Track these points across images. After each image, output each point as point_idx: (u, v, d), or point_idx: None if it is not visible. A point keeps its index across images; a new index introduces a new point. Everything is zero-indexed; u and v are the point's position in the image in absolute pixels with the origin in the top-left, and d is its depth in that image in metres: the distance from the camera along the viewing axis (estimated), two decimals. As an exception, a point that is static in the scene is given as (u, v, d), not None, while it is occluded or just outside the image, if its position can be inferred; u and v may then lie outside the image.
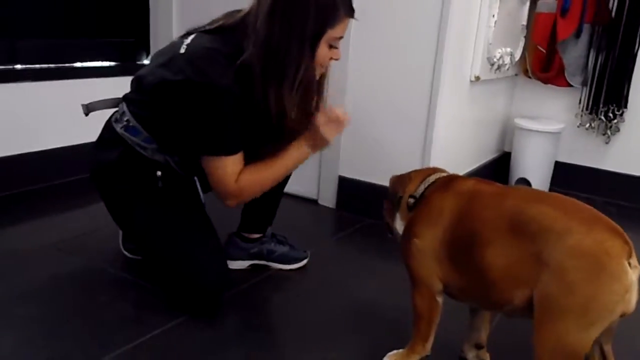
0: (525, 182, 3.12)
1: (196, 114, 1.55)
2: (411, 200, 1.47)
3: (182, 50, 1.58)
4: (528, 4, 2.99)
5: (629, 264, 1.13)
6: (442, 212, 1.37)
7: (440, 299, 1.42)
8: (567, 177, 3.20)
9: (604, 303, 1.12)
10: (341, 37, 1.63)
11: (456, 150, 2.67)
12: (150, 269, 1.87)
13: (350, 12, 1.62)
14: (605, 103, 3.05)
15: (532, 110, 3.26)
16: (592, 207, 1.25)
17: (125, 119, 1.71)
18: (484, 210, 1.31)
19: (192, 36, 1.63)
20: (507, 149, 3.33)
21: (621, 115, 3.04)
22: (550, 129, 3.08)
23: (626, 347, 1.32)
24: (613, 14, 2.93)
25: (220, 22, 1.65)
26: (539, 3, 2.99)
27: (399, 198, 1.51)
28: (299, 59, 1.55)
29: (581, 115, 3.15)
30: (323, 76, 1.72)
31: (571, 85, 3.07)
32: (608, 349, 1.28)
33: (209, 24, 1.67)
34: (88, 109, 1.82)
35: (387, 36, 2.41)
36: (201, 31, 1.65)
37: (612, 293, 1.11)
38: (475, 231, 1.29)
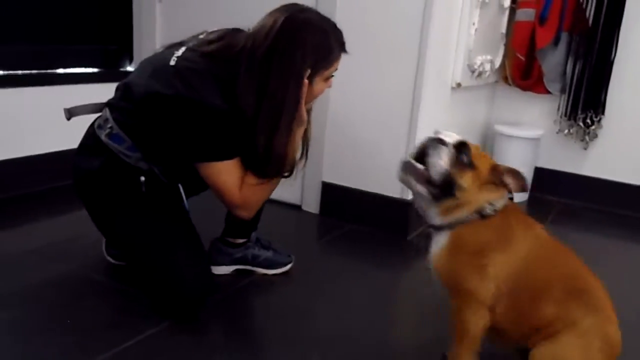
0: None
1: (186, 128, 1.56)
2: (489, 208, 1.39)
3: (172, 62, 1.57)
4: (507, 12, 3.04)
5: None
6: (519, 249, 1.38)
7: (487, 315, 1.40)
8: (546, 182, 3.25)
9: None
10: (336, 70, 1.67)
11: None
12: (134, 274, 1.87)
13: (343, 49, 1.66)
14: (583, 110, 3.11)
15: (512, 117, 3.32)
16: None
17: (108, 125, 1.70)
18: (553, 264, 1.40)
19: (183, 49, 1.62)
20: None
21: (599, 121, 3.10)
22: (529, 135, 3.13)
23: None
24: (590, 22, 2.99)
25: (215, 46, 1.61)
26: (518, 12, 3.04)
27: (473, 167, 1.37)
28: (294, 107, 1.57)
29: (560, 122, 3.21)
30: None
31: (550, 92, 3.13)
32: None
33: (205, 42, 1.64)
34: (70, 113, 1.81)
35: (370, 43, 2.43)
36: (193, 49, 1.62)
37: None
38: (543, 284, 1.37)
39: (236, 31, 1.67)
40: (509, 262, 1.37)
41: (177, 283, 1.68)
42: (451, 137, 1.40)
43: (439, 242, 1.43)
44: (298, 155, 1.72)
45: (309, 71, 1.57)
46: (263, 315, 1.84)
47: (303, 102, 1.59)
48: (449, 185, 1.37)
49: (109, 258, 2.00)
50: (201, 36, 1.69)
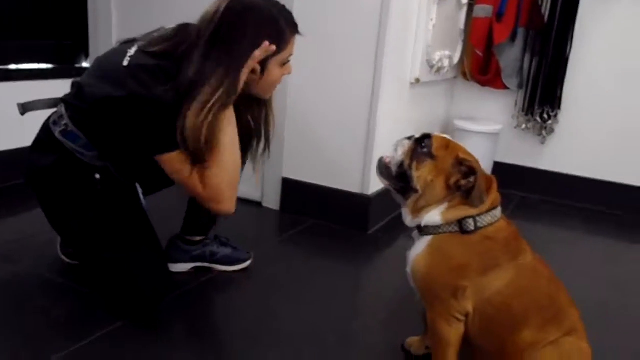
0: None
1: (140, 124, 1.53)
2: (471, 224, 1.34)
3: (125, 63, 1.53)
4: (465, 8, 3.07)
5: None
6: (502, 277, 1.32)
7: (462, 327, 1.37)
8: (505, 176, 3.27)
9: None
10: (291, 55, 1.65)
11: (398, 151, 2.72)
12: (88, 273, 1.84)
13: (295, 29, 1.63)
14: (540, 105, 3.16)
15: (471, 112, 3.36)
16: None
17: (63, 122, 1.66)
18: (535, 298, 1.34)
19: (135, 48, 1.57)
20: (448, 150, 3.41)
21: (555, 116, 3.16)
22: (488, 130, 3.17)
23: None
24: (546, 19, 3.04)
25: (167, 45, 1.57)
26: (475, 8, 3.07)
27: (480, 199, 1.34)
28: (218, 88, 1.51)
29: (518, 117, 3.26)
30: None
31: (508, 88, 3.17)
32: None
33: (158, 39, 1.60)
34: (24, 108, 1.75)
35: (327, 40, 2.43)
36: (144, 50, 1.57)
37: None
38: (522, 314, 1.32)
39: (188, 26, 1.64)
40: (487, 288, 1.32)
41: (133, 282, 1.65)
42: (429, 136, 1.40)
43: (419, 248, 1.39)
44: (235, 143, 1.63)
45: (258, 55, 1.54)
46: (222, 313, 1.82)
47: (238, 85, 1.54)
48: (405, 176, 1.37)
49: (63, 257, 1.96)
50: (155, 34, 1.66)
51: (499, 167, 3.29)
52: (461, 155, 1.36)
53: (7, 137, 2.60)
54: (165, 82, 1.51)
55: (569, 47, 3.03)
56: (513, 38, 3.05)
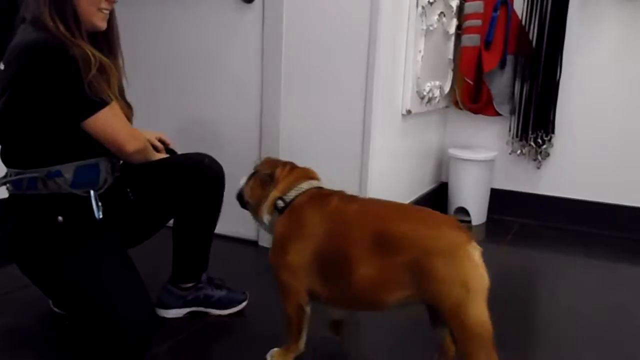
0: (463, 211, 3.17)
1: (54, 87, 1.54)
2: (280, 203, 1.60)
3: (2, 67, 1.59)
4: (453, 38, 3.09)
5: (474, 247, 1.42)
6: (313, 232, 1.52)
7: (308, 308, 1.59)
8: (503, 203, 3.27)
9: (474, 278, 1.37)
10: None
11: (393, 182, 2.70)
12: (78, 323, 1.80)
13: None
14: (533, 130, 3.15)
15: (465, 140, 3.35)
16: (436, 212, 1.51)
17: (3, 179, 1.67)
18: (350, 230, 1.48)
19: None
20: (444, 179, 3.40)
21: (550, 140, 3.15)
22: (483, 158, 3.16)
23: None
24: (534, 44, 3.05)
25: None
26: (463, 37, 3.09)
27: (270, 176, 1.65)
28: None
29: (512, 143, 3.25)
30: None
31: (500, 114, 3.17)
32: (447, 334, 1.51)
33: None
34: None
35: (316, 76, 2.44)
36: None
37: (473, 269, 1.38)
38: (344, 250, 1.46)
39: None
40: (306, 251, 1.52)
41: (113, 319, 1.59)
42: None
43: None
44: None
45: None
46: None
47: None
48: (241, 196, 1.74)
49: (55, 309, 1.93)
50: None
51: (496, 194, 3.27)
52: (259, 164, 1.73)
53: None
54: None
55: (558, 71, 3.04)
56: (502, 65, 3.06)
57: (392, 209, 1.58)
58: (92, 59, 1.54)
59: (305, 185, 1.63)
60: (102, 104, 1.58)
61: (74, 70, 1.52)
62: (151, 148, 1.81)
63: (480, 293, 1.37)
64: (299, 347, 1.65)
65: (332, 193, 1.61)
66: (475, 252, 1.39)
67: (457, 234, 1.41)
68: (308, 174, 1.69)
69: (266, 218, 1.64)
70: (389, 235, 1.43)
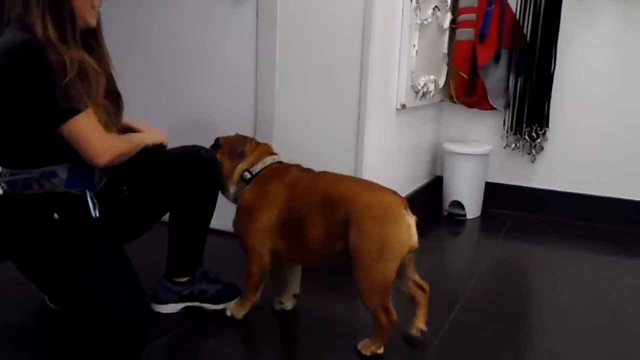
0: (458, 205, 3.18)
1: (26, 92, 1.50)
2: (247, 175, 1.85)
3: None
4: (447, 33, 3.09)
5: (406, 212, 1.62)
6: (276, 200, 1.77)
7: (268, 267, 1.84)
8: (497, 196, 3.28)
9: (394, 240, 1.57)
10: None
11: (388, 177, 2.69)
12: (74, 319, 1.80)
13: None
14: (528, 123, 3.16)
15: (460, 134, 3.35)
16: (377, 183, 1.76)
17: None
18: (305, 195, 1.75)
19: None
20: (439, 173, 3.40)
21: (544, 134, 3.16)
22: (478, 152, 3.17)
23: None
24: (528, 38, 3.06)
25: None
26: (457, 31, 3.09)
27: (240, 152, 1.87)
28: None
29: (506, 137, 3.25)
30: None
31: (495, 108, 3.17)
32: (417, 278, 1.75)
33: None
34: None
35: (310, 70, 2.43)
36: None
37: (399, 231, 1.58)
38: (300, 212, 1.73)
39: None
40: (270, 217, 1.77)
41: (110, 320, 1.55)
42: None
43: None
44: None
45: None
46: (215, 356, 1.78)
47: None
48: None
49: (50, 304, 1.93)
50: None
51: (490, 188, 3.28)
52: (226, 139, 1.95)
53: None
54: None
55: (553, 65, 3.05)
56: (497, 59, 3.06)
57: (339, 177, 1.82)
58: (69, 65, 1.49)
59: (269, 160, 1.88)
60: (74, 112, 1.53)
61: (47, 77, 1.48)
62: (131, 150, 1.73)
63: (396, 256, 1.56)
64: (257, 296, 1.90)
65: (291, 166, 1.87)
66: (407, 217, 1.58)
67: (391, 198, 1.64)
68: (269, 150, 1.95)
69: (232, 188, 1.87)
70: (332, 196, 1.69)
